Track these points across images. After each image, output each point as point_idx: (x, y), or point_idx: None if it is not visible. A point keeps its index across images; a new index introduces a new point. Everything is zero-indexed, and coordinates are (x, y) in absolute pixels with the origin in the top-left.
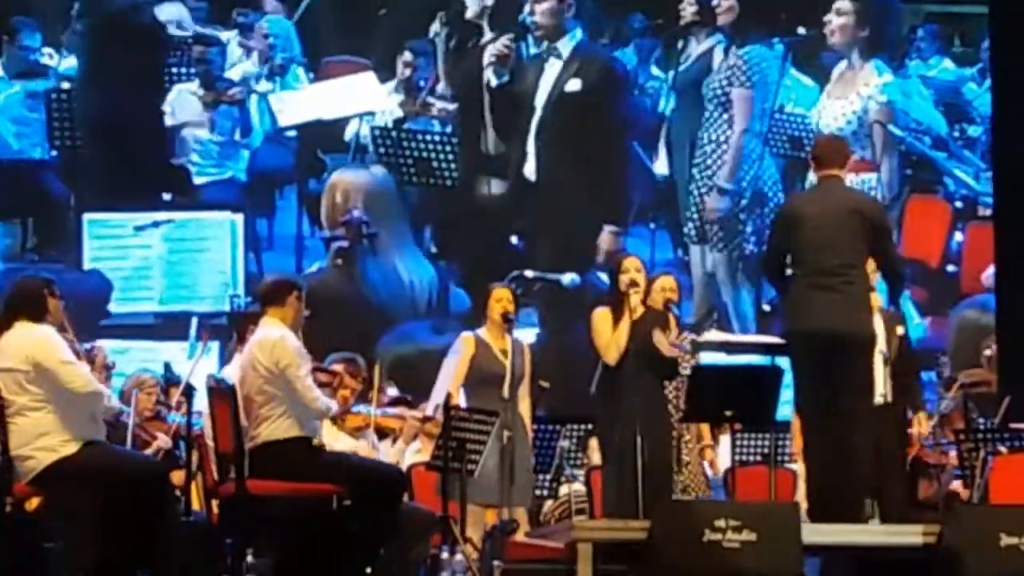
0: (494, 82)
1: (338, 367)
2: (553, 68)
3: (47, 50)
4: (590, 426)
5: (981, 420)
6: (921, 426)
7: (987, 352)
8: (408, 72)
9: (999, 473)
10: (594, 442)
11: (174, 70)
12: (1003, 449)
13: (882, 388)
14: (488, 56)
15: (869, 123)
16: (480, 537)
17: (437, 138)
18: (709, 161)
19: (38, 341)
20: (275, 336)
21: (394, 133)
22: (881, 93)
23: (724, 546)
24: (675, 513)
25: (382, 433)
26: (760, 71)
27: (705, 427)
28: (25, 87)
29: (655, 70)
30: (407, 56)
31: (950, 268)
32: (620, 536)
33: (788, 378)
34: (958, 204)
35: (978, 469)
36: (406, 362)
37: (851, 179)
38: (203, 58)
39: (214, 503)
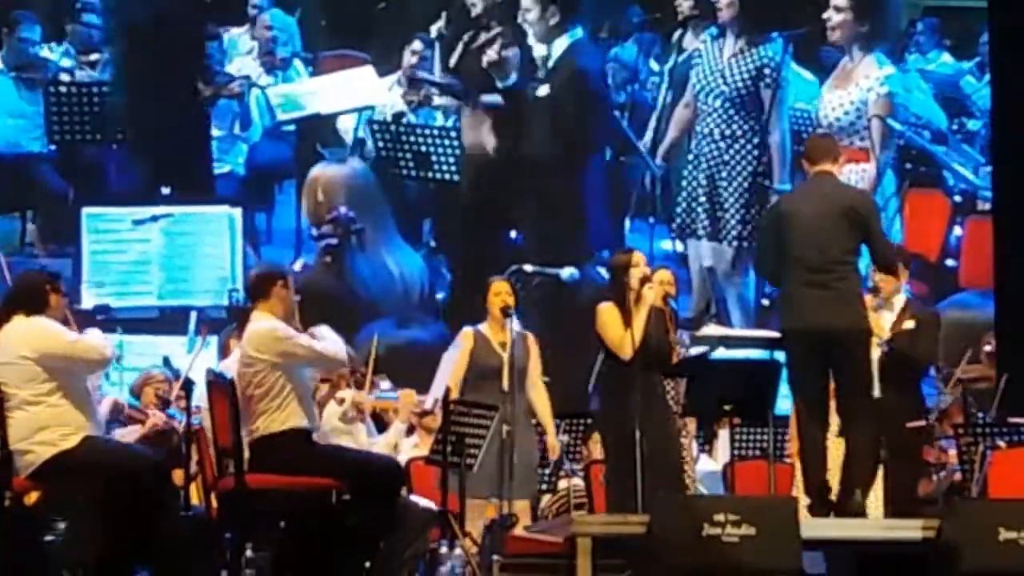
0: (498, 84)
1: None
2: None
3: (47, 46)
4: (588, 421)
5: (980, 415)
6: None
7: (986, 348)
8: (415, 60)
9: (998, 467)
10: (596, 436)
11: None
12: (1002, 444)
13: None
14: (486, 59)
15: (868, 116)
16: (480, 531)
17: (436, 132)
18: (726, 157)
19: (38, 331)
20: (261, 328)
21: (393, 127)
22: (882, 85)
23: (723, 540)
24: (674, 508)
25: (382, 424)
26: (778, 67)
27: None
28: (22, 77)
29: (654, 64)
30: (416, 45)
31: (949, 262)
32: (619, 531)
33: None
34: (957, 198)
35: (977, 463)
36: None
37: (850, 168)
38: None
39: (213, 497)
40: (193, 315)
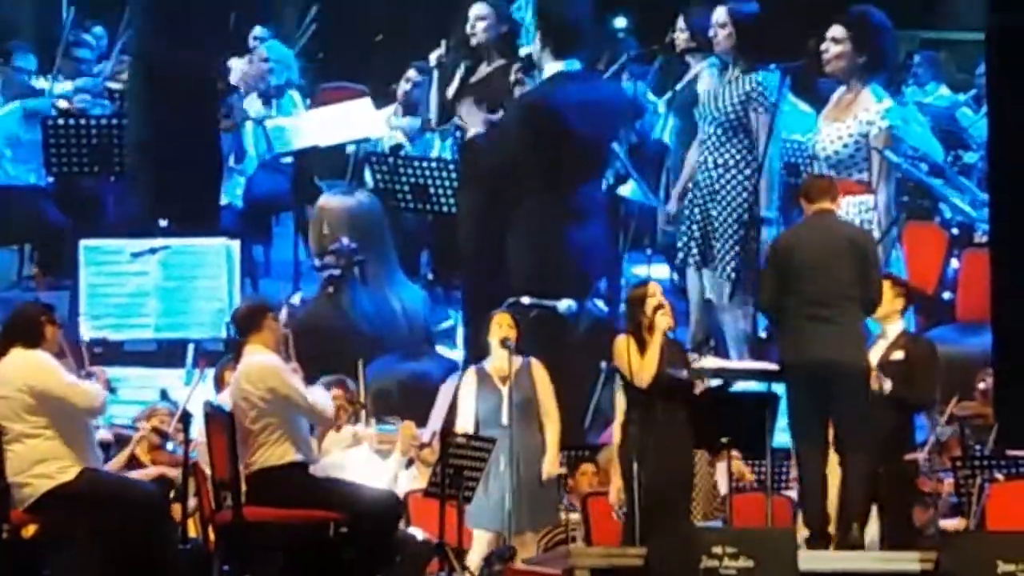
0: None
1: (336, 391)
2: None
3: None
4: (586, 453)
5: (978, 447)
6: None
7: (980, 385)
8: (408, 87)
9: (996, 500)
10: (586, 467)
11: None
12: (1000, 476)
13: None
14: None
15: (868, 148)
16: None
17: (434, 164)
18: (717, 186)
19: (36, 368)
20: (260, 362)
21: (390, 160)
22: (883, 119)
23: (721, 573)
24: (672, 540)
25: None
26: (773, 95)
27: None
28: (24, 106)
29: (651, 96)
30: (411, 73)
31: (946, 295)
32: (617, 563)
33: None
34: (954, 231)
35: (975, 496)
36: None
37: (849, 201)
38: None
39: (211, 530)
40: (191, 348)
